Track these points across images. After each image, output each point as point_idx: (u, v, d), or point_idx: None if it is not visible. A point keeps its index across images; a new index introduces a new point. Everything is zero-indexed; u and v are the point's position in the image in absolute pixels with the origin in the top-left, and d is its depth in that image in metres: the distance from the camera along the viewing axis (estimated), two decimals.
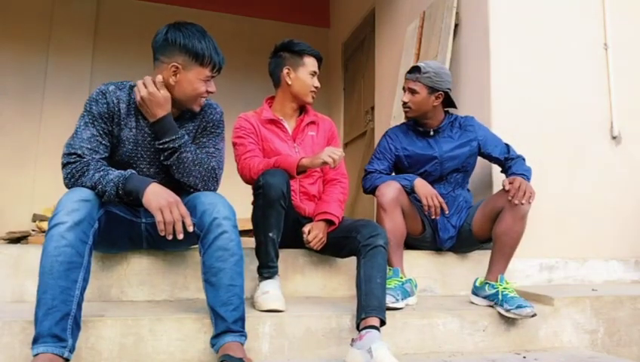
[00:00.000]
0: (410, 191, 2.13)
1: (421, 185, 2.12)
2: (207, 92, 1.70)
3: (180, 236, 1.44)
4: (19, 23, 4.92)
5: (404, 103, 2.24)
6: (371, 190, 2.21)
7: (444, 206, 2.10)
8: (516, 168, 2.20)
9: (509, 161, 2.25)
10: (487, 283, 1.99)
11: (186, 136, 1.67)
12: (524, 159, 2.27)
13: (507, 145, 2.31)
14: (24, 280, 1.80)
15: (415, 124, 2.33)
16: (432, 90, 2.19)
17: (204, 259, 1.52)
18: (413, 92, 2.21)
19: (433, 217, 2.11)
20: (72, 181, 1.51)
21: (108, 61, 5.09)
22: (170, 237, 1.45)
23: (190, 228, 1.46)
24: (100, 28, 5.19)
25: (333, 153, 1.81)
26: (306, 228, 1.98)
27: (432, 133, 2.29)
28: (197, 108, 1.72)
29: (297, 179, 1.99)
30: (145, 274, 1.88)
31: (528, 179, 2.14)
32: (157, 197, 1.47)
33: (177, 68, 1.63)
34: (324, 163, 1.81)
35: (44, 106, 4.89)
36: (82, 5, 5.13)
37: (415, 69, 2.22)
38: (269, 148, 2.07)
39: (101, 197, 1.48)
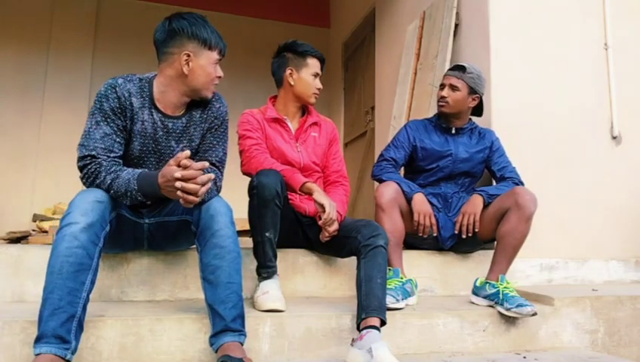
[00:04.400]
0: (408, 200, 2.14)
1: (419, 201, 2.12)
2: (217, 77, 1.69)
3: (204, 189, 1.43)
4: (19, 23, 4.91)
5: (442, 98, 2.27)
6: (377, 180, 2.26)
7: (435, 228, 2.15)
8: (489, 188, 2.21)
9: (498, 181, 2.28)
10: (487, 282, 1.99)
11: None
12: (517, 184, 2.20)
13: (514, 170, 2.28)
14: (24, 280, 1.80)
15: (438, 120, 2.36)
16: (472, 90, 2.26)
17: (201, 257, 1.52)
18: (454, 88, 2.25)
19: (420, 234, 2.12)
20: (87, 183, 1.51)
21: (108, 61, 5.09)
22: (199, 196, 1.43)
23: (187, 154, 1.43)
24: (100, 28, 5.19)
25: (332, 219, 1.88)
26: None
27: (453, 131, 2.33)
28: (209, 95, 1.70)
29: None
30: (145, 274, 1.88)
31: (484, 198, 2.12)
32: (168, 182, 1.44)
33: (189, 56, 1.62)
34: (323, 208, 1.87)
35: (44, 106, 4.89)
36: (82, 5, 5.12)
37: (458, 68, 2.28)
38: (272, 147, 2.08)
39: (116, 199, 1.49)
